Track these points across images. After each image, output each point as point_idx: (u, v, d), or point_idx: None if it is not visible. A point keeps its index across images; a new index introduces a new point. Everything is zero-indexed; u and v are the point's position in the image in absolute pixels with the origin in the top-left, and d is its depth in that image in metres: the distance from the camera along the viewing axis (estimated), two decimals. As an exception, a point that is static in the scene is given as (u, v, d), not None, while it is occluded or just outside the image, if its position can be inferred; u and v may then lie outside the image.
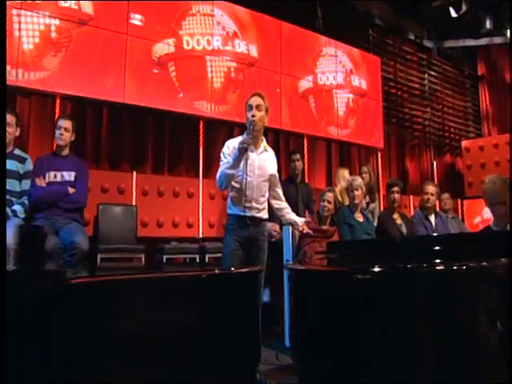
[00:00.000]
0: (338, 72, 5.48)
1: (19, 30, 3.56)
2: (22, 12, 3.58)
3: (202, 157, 4.49)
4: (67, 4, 3.75)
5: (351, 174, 4.69)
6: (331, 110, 5.38)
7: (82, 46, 3.80)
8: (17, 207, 3.00)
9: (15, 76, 3.49)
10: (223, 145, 2.61)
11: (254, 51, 4.78)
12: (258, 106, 2.54)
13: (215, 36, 4.50)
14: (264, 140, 2.65)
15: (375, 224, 4.14)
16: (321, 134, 5.30)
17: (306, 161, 5.19)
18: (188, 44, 4.32)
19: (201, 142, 4.51)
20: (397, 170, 6.51)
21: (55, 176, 3.23)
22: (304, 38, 5.26)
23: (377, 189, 5.30)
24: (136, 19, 4.07)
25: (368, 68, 5.85)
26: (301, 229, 2.80)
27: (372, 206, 4.73)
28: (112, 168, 4.03)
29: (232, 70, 4.59)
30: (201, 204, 4.34)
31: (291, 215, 2.79)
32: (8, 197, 3.01)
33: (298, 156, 4.42)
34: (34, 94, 3.72)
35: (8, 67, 3.45)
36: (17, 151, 3.21)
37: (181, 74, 4.26)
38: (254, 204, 2.55)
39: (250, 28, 4.80)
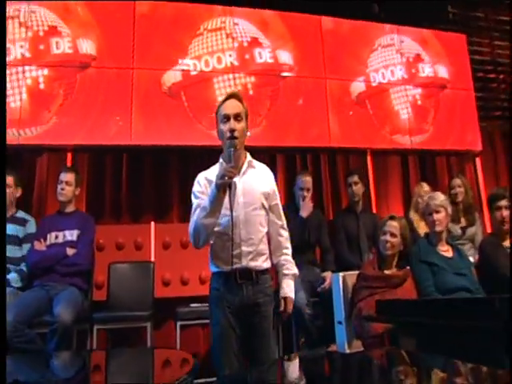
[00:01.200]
0: (397, 65, 4.35)
1: (18, 87, 3.33)
2: (20, 69, 3.35)
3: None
4: (59, 51, 3.43)
5: (435, 189, 3.57)
6: (393, 114, 4.27)
7: (87, 90, 3.47)
8: (11, 276, 2.82)
9: (17, 135, 3.26)
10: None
11: (285, 57, 3.99)
12: (236, 116, 1.80)
13: (227, 51, 3.81)
14: (247, 154, 1.90)
15: (475, 258, 3.15)
16: (387, 146, 4.20)
17: (371, 182, 4.16)
18: (195, 67, 3.73)
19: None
20: (508, 179, 4.99)
21: (56, 237, 3.02)
22: (354, 30, 4.29)
23: (477, 207, 4.02)
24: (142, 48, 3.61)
25: (449, 51, 4.58)
26: (281, 308, 1.89)
27: (471, 230, 3.60)
28: (134, 221, 3.57)
29: (250, 86, 3.86)
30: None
31: (285, 267, 1.95)
32: (7, 265, 2.81)
33: (355, 178, 3.54)
34: (47, 149, 3.49)
35: (12, 130, 3.25)
36: (19, 213, 3.09)
37: (193, 103, 3.69)
38: (245, 248, 1.78)
39: (279, 31, 4.05)
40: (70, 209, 3.04)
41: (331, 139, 3.95)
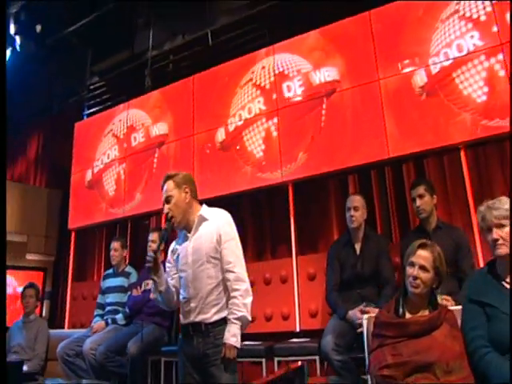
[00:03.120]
0: (464, 34, 3.32)
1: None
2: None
3: (293, 228, 3.82)
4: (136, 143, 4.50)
5: None
6: (466, 98, 3.27)
7: (164, 163, 4.37)
8: (118, 316, 3.84)
9: (122, 211, 4.47)
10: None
11: (332, 74, 3.81)
12: (167, 198, 2.13)
13: (255, 99, 4.01)
14: (201, 208, 2.16)
15: None
16: (483, 134, 3.24)
17: (467, 183, 3.31)
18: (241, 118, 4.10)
19: (291, 212, 3.86)
20: None
21: (147, 284, 3.87)
22: (408, 13, 3.61)
23: None
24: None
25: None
26: (221, 355, 1.99)
27: None
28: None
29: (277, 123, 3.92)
30: (296, 289, 3.64)
31: (229, 311, 2.01)
32: (116, 307, 3.88)
33: (421, 190, 3.01)
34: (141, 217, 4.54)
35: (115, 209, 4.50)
36: (127, 268, 4.18)
37: (244, 151, 4.05)
38: (193, 304, 2.04)
39: (322, 47, 3.89)
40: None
41: (393, 148, 3.43)
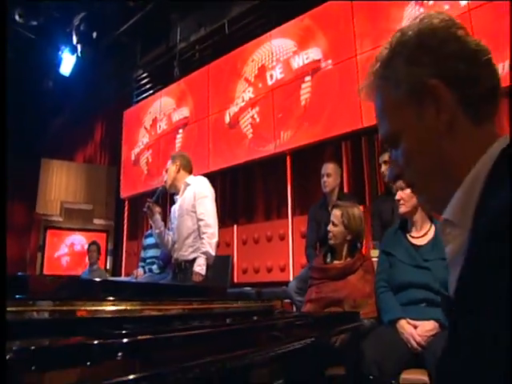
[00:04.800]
0: None
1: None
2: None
3: (290, 194, 4.40)
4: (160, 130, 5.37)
5: None
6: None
7: (187, 142, 5.23)
8: (154, 266, 4.86)
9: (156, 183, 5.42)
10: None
11: (315, 54, 4.27)
12: (166, 170, 3.05)
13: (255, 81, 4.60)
14: (186, 178, 2.96)
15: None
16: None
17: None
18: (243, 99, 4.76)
19: (288, 179, 4.44)
20: None
21: None
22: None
23: None
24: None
25: None
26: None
27: None
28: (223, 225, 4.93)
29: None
30: (291, 245, 4.26)
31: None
32: (153, 260, 4.89)
33: (386, 156, 3.43)
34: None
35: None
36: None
37: (246, 127, 4.72)
38: (176, 245, 2.88)
39: (311, 30, 4.35)
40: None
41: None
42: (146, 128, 5.96)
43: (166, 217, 4.39)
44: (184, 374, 0.72)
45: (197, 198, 2.83)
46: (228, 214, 4.99)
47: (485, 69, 0.58)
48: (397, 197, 2.26)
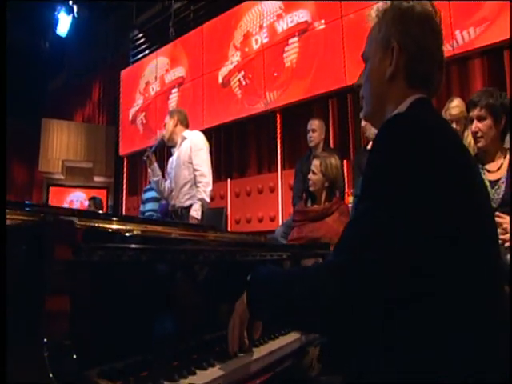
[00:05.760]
0: None
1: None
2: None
3: (279, 149, 4.72)
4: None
5: None
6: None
7: (183, 100, 5.49)
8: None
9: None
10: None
11: (303, 16, 4.49)
12: (165, 124, 3.35)
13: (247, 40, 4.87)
14: (183, 132, 3.25)
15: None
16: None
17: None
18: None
19: (278, 135, 4.75)
20: None
21: None
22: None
23: None
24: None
25: None
26: None
27: None
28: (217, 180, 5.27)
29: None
30: (280, 197, 4.62)
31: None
32: (152, 213, 5.19)
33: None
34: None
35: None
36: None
37: (238, 87, 4.99)
38: (173, 193, 3.22)
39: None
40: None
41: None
42: (139, 91, 6.22)
43: (163, 171, 4.71)
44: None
45: (193, 150, 3.12)
46: (223, 168, 5.32)
47: (433, 54, 0.87)
48: (368, 146, 2.63)
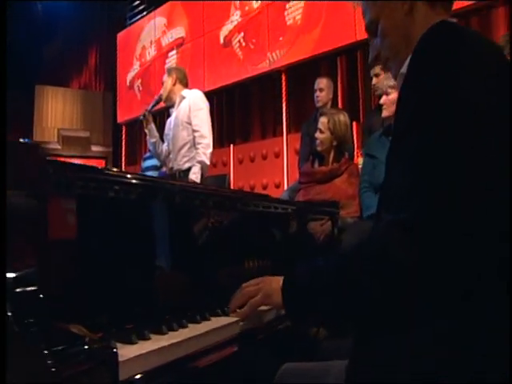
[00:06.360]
0: None
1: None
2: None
3: (285, 111, 4.51)
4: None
5: None
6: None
7: (183, 61, 5.26)
8: None
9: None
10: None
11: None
12: (163, 83, 3.15)
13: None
14: (181, 91, 3.07)
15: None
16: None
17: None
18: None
19: (283, 96, 4.53)
20: None
21: None
22: None
23: None
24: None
25: None
26: None
27: None
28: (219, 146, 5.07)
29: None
30: (285, 163, 4.44)
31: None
32: None
33: (377, 69, 3.41)
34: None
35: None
36: None
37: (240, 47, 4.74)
38: (171, 155, 3.08)
39: None
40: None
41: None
42: (136, 57, 6.00)
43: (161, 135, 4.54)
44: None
45: (192, 110, 2.95)
46: (225, 134, 5.11)
47: None
48: (381, 101, 2.39)
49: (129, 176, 0.85)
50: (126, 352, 0.61)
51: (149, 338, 0.69)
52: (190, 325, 0.78)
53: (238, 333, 0.83)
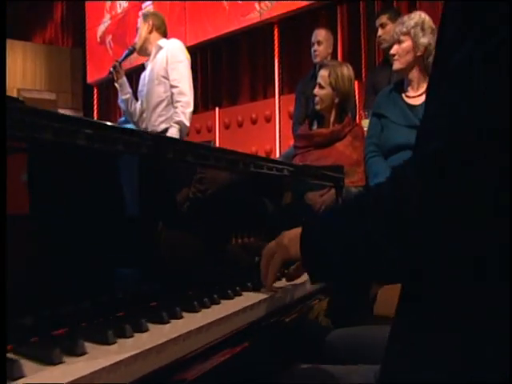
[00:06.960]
0: None
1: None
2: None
3: (277, 70, 4.08)
4: None
5: None
6: None
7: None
8: None
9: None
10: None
11: None
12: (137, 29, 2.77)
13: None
14: (158, 41, 2.68)
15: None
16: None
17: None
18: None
19: (276, 52, 4.10)
20: None
21: None
22: None
23: None
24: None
25: None
26: None
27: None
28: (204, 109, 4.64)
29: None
30: (278, 128, 4.06)
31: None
32: None
33: (384, 18, 3.05)
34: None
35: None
36: None
37: None
38: (144, 114, 2.73)
39: None
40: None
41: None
42: (106, 9, 5.47)
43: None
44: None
45: (170, 62, 2.59)
46: (210, 95, 4.69)
47: None
48: (391, 51, 2.04)
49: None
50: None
51: (181, 317, 0.63)
52: (223, 301, 0.73)
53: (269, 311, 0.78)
